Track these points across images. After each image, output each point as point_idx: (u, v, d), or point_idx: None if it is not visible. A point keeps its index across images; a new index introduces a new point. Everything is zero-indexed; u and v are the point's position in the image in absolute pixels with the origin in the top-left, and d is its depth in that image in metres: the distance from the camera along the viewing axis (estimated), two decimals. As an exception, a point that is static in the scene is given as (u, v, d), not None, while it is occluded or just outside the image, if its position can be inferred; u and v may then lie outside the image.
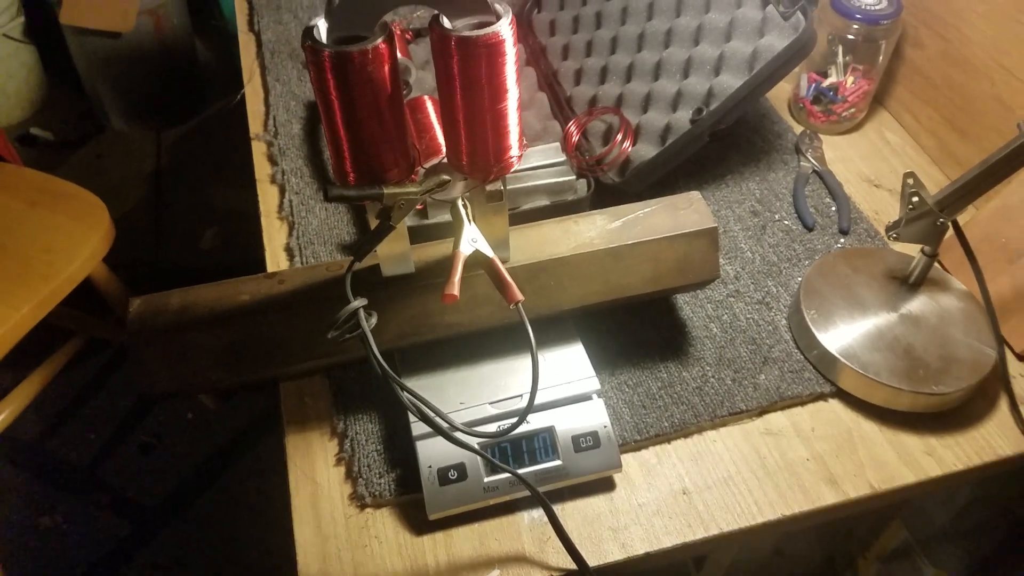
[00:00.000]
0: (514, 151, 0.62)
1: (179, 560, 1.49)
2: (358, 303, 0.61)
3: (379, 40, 0.54)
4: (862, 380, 0.74)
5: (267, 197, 0.95)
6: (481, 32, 0.54)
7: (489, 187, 0.63)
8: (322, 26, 0.55)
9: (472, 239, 0.62)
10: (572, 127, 0.94)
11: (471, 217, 0.64)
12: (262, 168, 0.98)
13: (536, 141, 0.94)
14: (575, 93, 0.98)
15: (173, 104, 2.14)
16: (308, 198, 0.94)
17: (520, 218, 0.86)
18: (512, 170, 0.63)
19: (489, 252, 0.62)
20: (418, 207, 0.76)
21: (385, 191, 0.60)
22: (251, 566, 1.45)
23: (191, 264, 1.88)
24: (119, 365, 1.75)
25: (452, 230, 0.65)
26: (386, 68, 0.56)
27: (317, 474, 0.72)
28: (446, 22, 0.55)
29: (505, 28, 0.55)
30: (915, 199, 0.72)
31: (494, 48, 0.55)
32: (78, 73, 2.07)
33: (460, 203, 0.63)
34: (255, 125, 1.03)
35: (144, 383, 0.69)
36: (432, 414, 0.62)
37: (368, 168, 0.60)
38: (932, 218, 0.72)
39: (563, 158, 0.89)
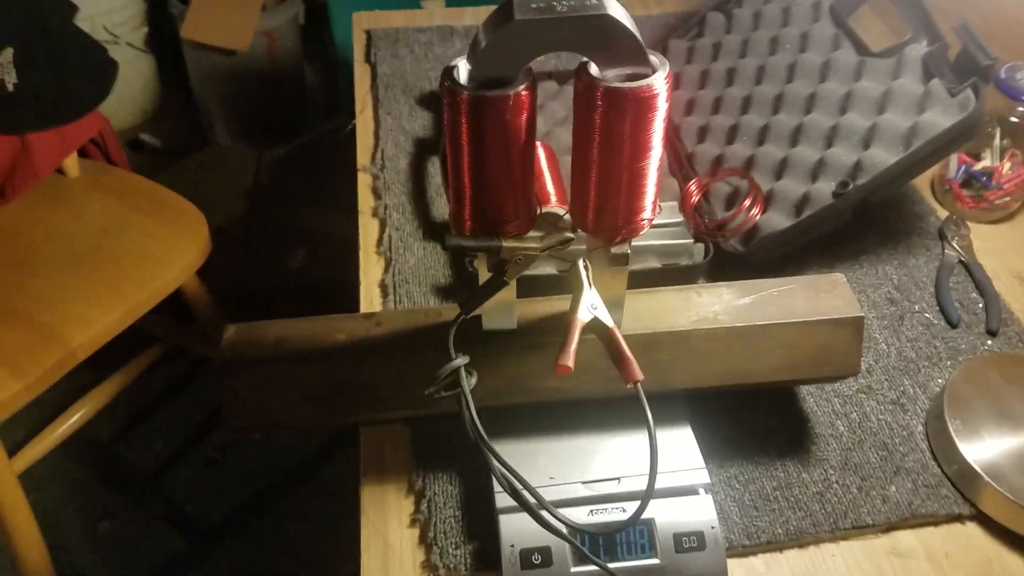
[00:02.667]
0: (647, 213, 0.56)
1: None
2: (460, 360, 0.56)
3: (522, 87, 0.50)
4: (1008, 505, 0.65)
5: (367, 231, 0.92)
6: (634, 85, 0.49)
7: (614, 249, 0.58)
8: (463, 67, 0.50)
9: (592, 305, 0.56)
10: (693, 186, 0.88)
11: (591, 281, 0.58)
12: (365, 200, 0.95)
13: (653, 199, 0.89)
14: (697, 151, 0.92)
15: (277, 124, 2.18)
16: (407, 235, 0.90)
17: (628, 280, 0.80)
18: (643, 231, 0.57)
19: (609, 321, 0.56)
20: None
21: (504, 244, 0.55)
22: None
23: (278, 282, 1.89)
24: (197, 376, 1.75)
25: (568, 288, 0.60)
26: (524, 116, 0.51)
27: (390, 533, 0.68)
28: (595, 70, 0.50)
29: (660, 82, 0.50)
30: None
31: (645, 103, 0.50)
32: (191, 85, 2.12)
33: (581, 264, 0.58)
34: (363, 157, 1.01)
35: (231, 413, 0.66)
36: (522, 489, 0.56)
37: (487, 218, 0.55)
38: (1112, 332, 0.63)
39: (680, 219, 0.84)
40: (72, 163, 1.35)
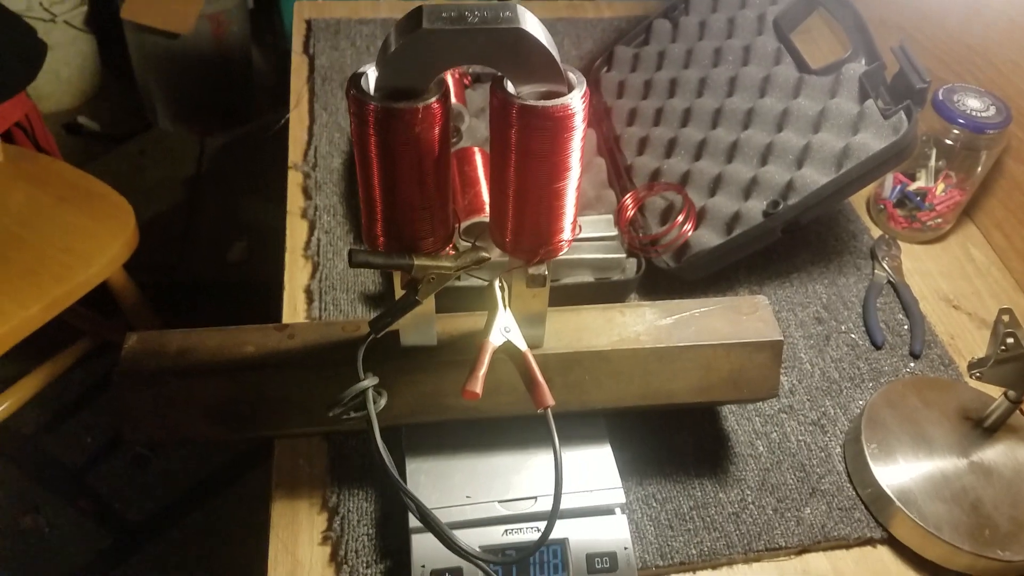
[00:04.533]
0: (565, 235, 0.55)
1: None
2: (368, 382, 0.54)
3: (433, 99, 0.48)
4: (918, 531, 0.65)
5: (295, 232, 0.89)
6: (549, 103, 0.47)
7: (532, 270, 0.56)
8: (371, 74, 0.48)
9: (505, 328, 0.55)
10: (628, 200, 0.87)
11: (507, 302, 0.56)
12: (295, 200, 0.92)
13: (587, 210, 0.88)
14: (636, 163, 0.91)
15: (221, 111, 2.12)
16: (337, 239, 0.87)
17: (559, 293, 0.79)
18: (560, 255, 0.56)
19: (523, 346, 0.55)
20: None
21: (416, 262, 0.53)
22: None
23: (215, 276, 1.84)
24: (126, 371, 1.70)
25: (485, 307, 0.58)
26: (436, 130, 0.49)
27: (299, 550, 0.66)
28: (510, 87, 0.48)
29: (577, 101, 0.48)
30: (1010, 340, 0.64)
31: (561, 122, 0.48)
32: (132, 68, 2.05)
33: (496, 284, 0.56)
34: (295, 153, 0.97)
35: (127, 428, 0.63)
36: (433, 519, 0.55)
37: (400, 234, 0.53)
38: (1025, 362, 0.64)
39: (614, 232, 0.82)
40: (-6, 147, 1.29)
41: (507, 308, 0.56)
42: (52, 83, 2.08)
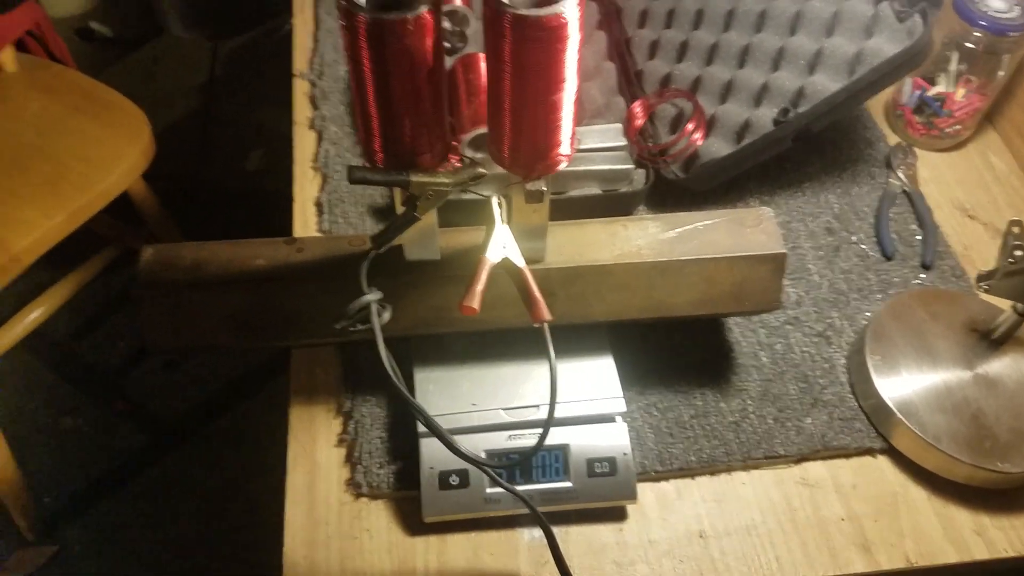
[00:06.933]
0: (563, 148, 0.55)
1: (181, 483, 1.50)
2: (371, 296, 0.56)
3: (423, 8, 0.47)
4: (917, 441, 0.66)
5: (303, 143, 0.89)
6: (542, 12, 0.46)
7: (530, 186, 0.56)
8: (363, -17, 0.47)
9: (503, 244, 0.55)
10: (638, 108, 0.85)
11: (505, 218, 0.57)
12: (301, 110, 0.92)
13: (596, 118, 0.86)
14: (647, 68, 0.89)
15: (233, 14, 2.07)
16: (345, 150, 0.87)
17: (566, 206, 0.78)
18: (559, 168, 0.55)
19: (520, 262, 0.55)
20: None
21: (412, 179, 0.53)
22: (238, 520, 1.45)
23: (234, 185, 1.84)
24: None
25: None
26: (428, 41, 0.48)
27: (317, 452, 0.69)
28: (503, -5, 0.47)
29: (571, 8, 0.47)
30: (1018, 252, 0.63)
31: (555, 32, 0.47)
32: (144, -31, 2.01)
33: (495, 201, 0.56)
34: (300, 61, 0.96)
35: (149, 337, 0.66)
36: (436, 426, 0.57)
37: (399, 150, 0.53)
38: (1033, 275, 0.63)
39: (623, 142, 0.81)
40: (8, 57, 1.28)
41: (504, 224, 0.56)
42: (62, -13, 2.04)
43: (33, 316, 1.39)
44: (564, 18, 0.47)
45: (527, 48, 0.48)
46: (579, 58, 0.50)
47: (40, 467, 1.49)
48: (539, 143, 0.53)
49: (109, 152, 1.21)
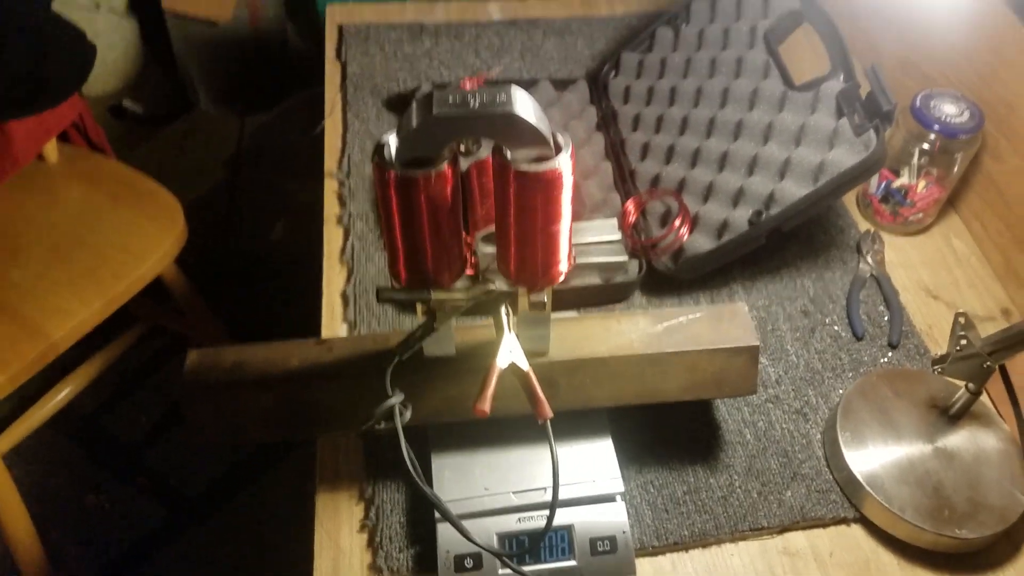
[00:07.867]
0: (562, 266, 0.64)
1: (204, 558, 1.52)
2: (395, 400, 0.64)
3: (444, 164, 0.56)
4: (885, 512, 0.74)
5: (332, 238, 0.97)
6: (540, 168, 0.56)
7: (533, 297, 0.65)
8: (392, 142, 0.57)
9: (510, 350, 0.64)
10: (631, 205, 0.94)
11: (511, 325, 0.65)
12: (331, 207, 0.99)
13: (595, 213, 0.95)
14: (639, 168, 0.98)
15: (260, 89, 2.20)
16: (369, 244, 0.95)
17: (569, 295, 0.87)
18: (558, 281, 0.64)
19: (524, 366, 0.64)
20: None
21: (433, 296, 0.62)
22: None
23: (260, 254, 1.92)
24: (176, 351, 1.80)
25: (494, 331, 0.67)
26: (448, 189, 0.58)
27: (341, 538, 0.74)
28: (508, 153, 0.56)
29: (564, 162, 0.56)
30: (963, 341, 0.71)
31: (552, 182, 0.56)
32: (174, 52, 2.14)
33: (502, 311, 0.65)
34: (330, 161, 1.04)
35: (194, 432, 0.73)
36: (452, 517, 0.64)
37: (419, 271, 0.62)
38: (979, 360, 0.71)
39: (618, 236, 0.90)
40: (51, 149, 1.36)
41: (511, 331, 0.65)
42: (97, 68, 2.12)
43: (62, 395, 1.44)
44: (559, 171, 0.56)
45: (528, 194, 0.57)
46: (573, 196, 0.59)
47: (63, 544, 1.51)
48: (541, 263, 0.62)
49: (146, 241, 1.29)
